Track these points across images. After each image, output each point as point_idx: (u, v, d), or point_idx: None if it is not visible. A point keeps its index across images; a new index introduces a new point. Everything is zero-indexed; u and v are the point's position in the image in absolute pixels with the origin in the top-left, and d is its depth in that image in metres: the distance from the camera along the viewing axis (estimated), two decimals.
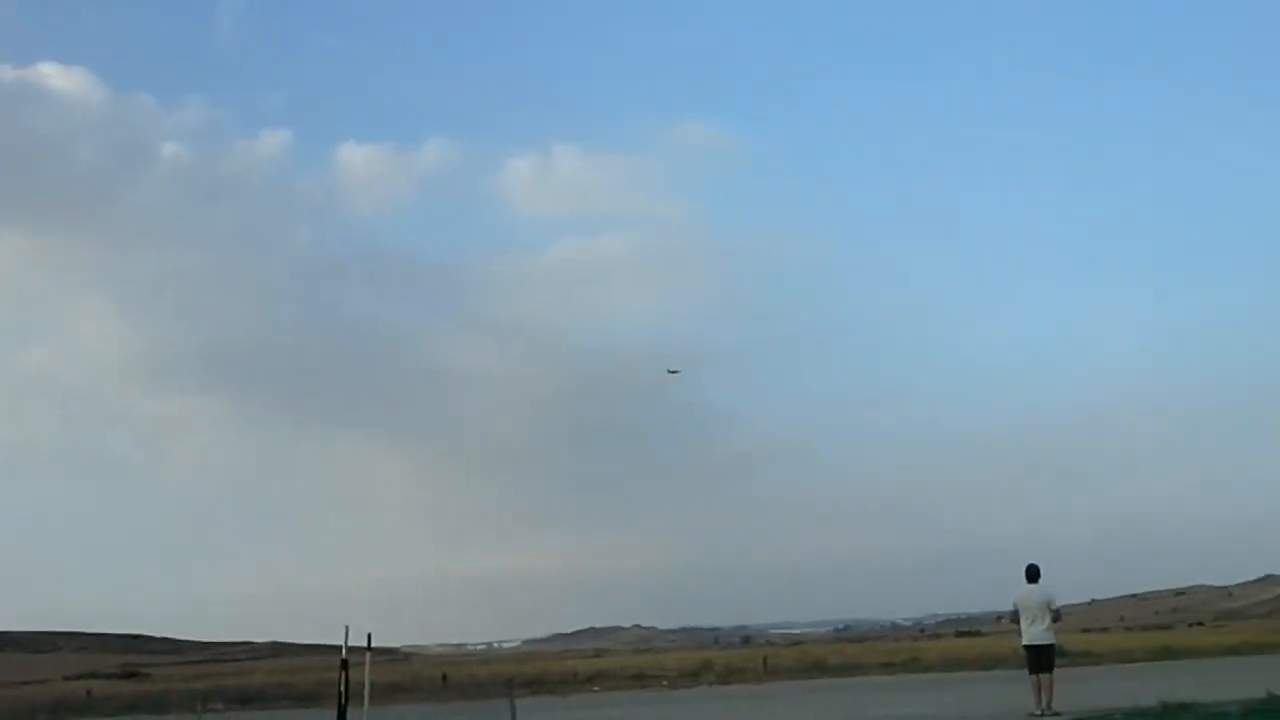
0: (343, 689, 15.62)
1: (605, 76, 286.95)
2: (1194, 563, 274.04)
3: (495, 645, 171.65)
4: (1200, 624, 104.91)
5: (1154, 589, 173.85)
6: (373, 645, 16.56)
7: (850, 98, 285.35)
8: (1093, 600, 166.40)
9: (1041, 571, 15.82)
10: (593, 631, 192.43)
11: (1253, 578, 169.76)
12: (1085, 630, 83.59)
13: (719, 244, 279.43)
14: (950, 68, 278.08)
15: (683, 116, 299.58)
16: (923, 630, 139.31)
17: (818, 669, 41.05)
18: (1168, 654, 39.89)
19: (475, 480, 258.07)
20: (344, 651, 15.55)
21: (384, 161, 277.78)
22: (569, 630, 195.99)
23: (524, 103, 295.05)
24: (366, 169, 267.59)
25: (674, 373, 65.12)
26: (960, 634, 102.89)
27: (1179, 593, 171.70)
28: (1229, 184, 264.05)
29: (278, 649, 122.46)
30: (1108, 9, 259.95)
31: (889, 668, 40.17)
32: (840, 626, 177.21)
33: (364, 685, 16.21)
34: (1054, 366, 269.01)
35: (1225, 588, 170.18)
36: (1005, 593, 16.03)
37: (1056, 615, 15.75)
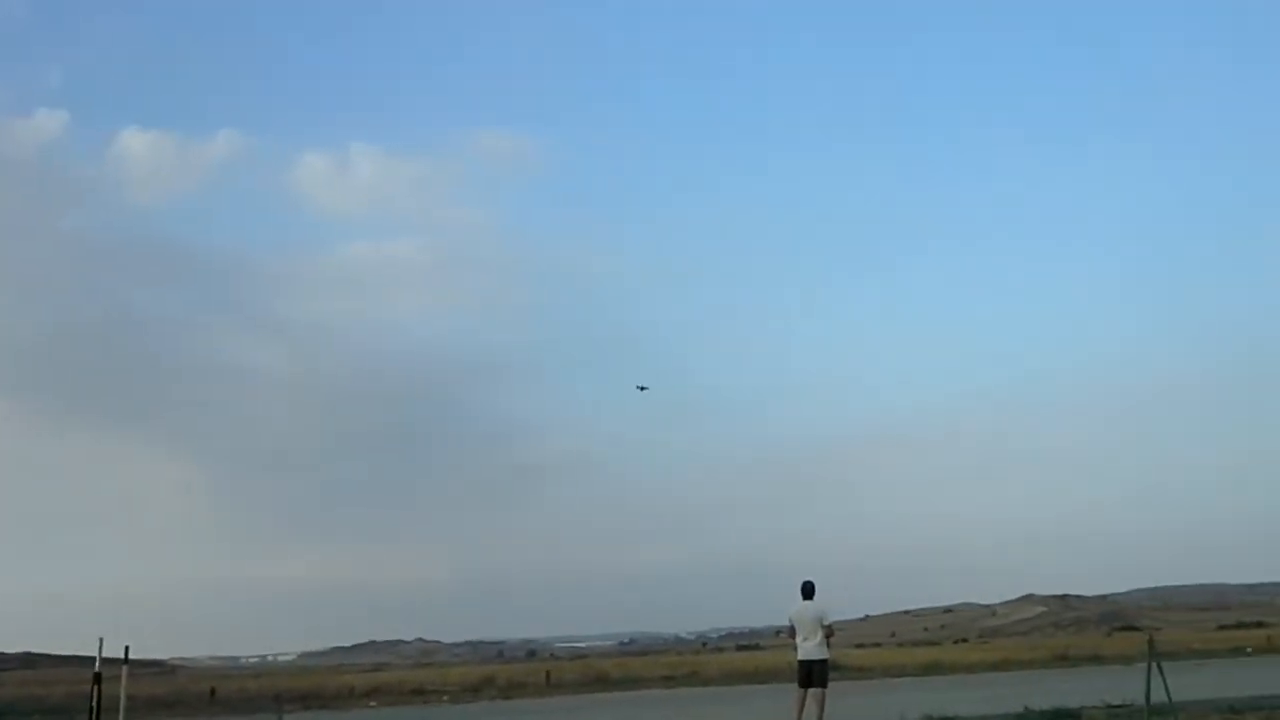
0: (94, 704, 14.68)
1: (407, 78, 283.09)
2: (962, 582, 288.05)
3: (270, 658, 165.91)
4: (965, 640, 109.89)
5: (924, 606, 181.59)
6: (136, 657, 15.63)
7: (651, 111, 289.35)
8: (867, 616, 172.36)
9: (816, 588, 15.98)
10: (373, 645, 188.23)
11: (1014, 597, 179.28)
12: (859, 645, 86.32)
13: (516, 252, 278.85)
14: (751, 82, 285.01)
15: (483, 122, 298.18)
16: (705, 644, 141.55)
17: (600, 682, 41.15)
18: (935, 669, 41.53)
19: (253, 485, 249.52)
20: (97, 664, 14.61)
21: (168, 150, 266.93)
22: (348, 644, 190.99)
23: (321, 99, 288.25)
24: (149, 157, 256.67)
25: (643, 389, 63.80)
26: (741, 648, 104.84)
27: (947, 610, 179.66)
28: (1016, 215, 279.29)
29: (30, 660, 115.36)
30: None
31: (669, 681, 40.57)
32: (625, 640, 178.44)
33: (119, 699, 15.26)
34: (837, 388, 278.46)
35: (989, 606, 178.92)
36: (785, 608, 16.18)
37: (829, 632, 15.88)
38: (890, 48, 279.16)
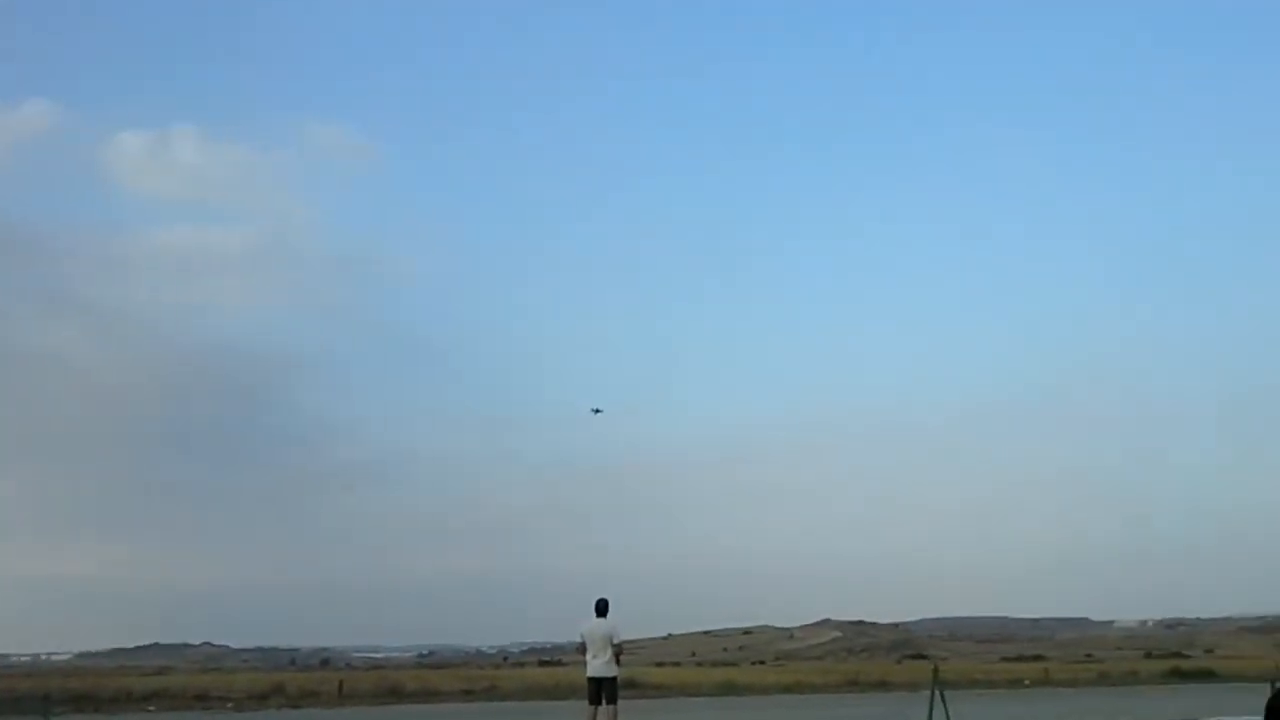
0: None
1: (238, 61, 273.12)
2: (762, 604, 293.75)
3: (44, 657, 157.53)
4: (762, 662, 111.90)
5: (725, 626, 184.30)
6: None
7: (491, 123, 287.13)
8: (669, 634, 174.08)
9: (610, 606, 16.15)
10: (157, 648, 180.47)
11: (812, 621, 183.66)
12: (659, 664, 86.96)
13: (342, 249, 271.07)
14: (596, 98, 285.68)
15: (315, 114, 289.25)
16: (506, 658, 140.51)
17: (395, 694, 40.32)
18: (730, 690, 42.07)
19: (37, 475, 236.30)
20: None
21: None
22: (130, 645, 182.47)
23: (143, 75, 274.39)
24: None
25: (597, 411, 61.62)
26: (543, 663, 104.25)
27: (746, 631, 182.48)
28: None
29: None
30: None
31: (468, 695, 40.07)
32: (425, 651, 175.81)
33: None
34: (655, 404, 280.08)
35: (787, 629, 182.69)
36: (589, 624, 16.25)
37: (620, 650, 16.07)
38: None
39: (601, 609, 16.09)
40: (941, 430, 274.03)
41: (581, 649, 16.26)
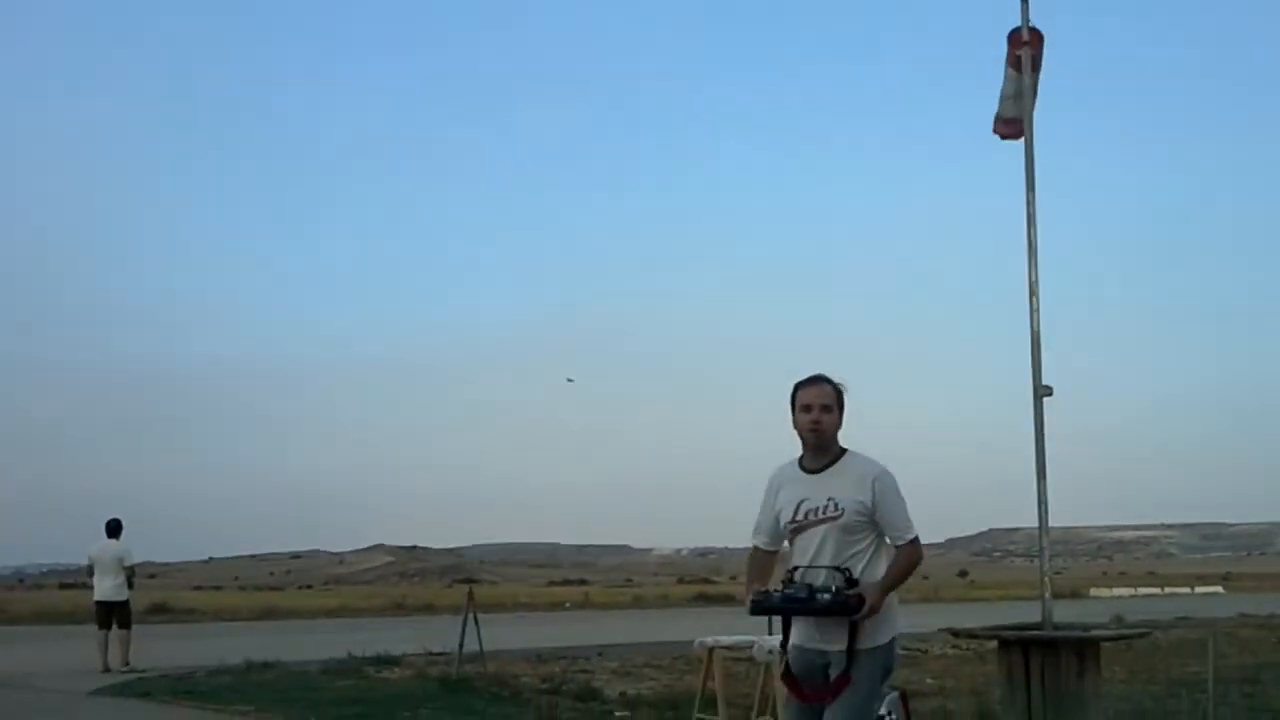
0: None
1: None
2: (313, 528, 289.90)
3: None
4: (310, 587, 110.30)
5: (273, 550, 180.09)
6: None
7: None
8: (211, 558, 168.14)
9: (123, 526, 15.50)
10: None
11: (364, 546, 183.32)
12: (197, 588, 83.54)
13: None
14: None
15: None
16: (22, 580, 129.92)
17: None
18: (272, 614, 40.67)
19: None
20: None
21: None
22: None
23: None
24: None
25: (570, 381, 55.94)
26: (65, 586, 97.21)
27: (296, 556, 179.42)
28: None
29: None
30: None
31: None
32: None
33: None
34: (191, 320, 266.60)
35: (339, 554, 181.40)
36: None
37: (131, 572, 15.53)
38: None
39: (113, 529, 15.45)
40: (469, 368, 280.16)
41: (90, 571, 15.64)
